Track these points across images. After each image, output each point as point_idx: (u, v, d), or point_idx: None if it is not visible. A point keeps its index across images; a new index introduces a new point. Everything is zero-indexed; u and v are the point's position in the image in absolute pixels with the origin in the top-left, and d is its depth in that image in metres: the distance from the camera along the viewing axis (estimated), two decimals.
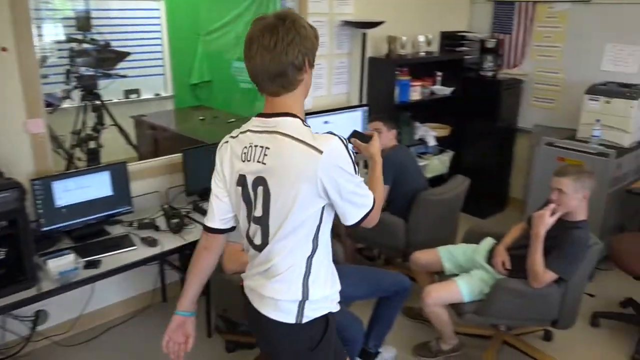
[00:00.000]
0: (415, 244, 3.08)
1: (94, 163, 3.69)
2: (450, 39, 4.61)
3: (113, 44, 4.03)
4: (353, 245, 3.39)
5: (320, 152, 1.36)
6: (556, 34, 4.38)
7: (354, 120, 3.77)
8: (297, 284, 1.48)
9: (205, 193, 3.15)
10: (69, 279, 2.28)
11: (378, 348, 2.67)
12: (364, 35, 3.87)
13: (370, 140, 1.72)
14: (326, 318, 1.54)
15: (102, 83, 4.01)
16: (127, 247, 2.57)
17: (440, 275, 2.88)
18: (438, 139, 4.38)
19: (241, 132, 1.50)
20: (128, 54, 4.24)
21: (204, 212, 2.93)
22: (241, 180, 1.50)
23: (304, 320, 1.50)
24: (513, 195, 4.89)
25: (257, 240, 1.51)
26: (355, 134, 1.77)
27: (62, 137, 3.82)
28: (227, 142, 1.55)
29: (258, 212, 1.48)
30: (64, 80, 3.80)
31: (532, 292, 2.43)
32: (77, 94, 3.85)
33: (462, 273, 2.68)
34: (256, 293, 1.54)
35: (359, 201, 1.46)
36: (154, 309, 3.27)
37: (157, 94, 5.73)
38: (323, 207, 1.44)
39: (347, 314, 2.30)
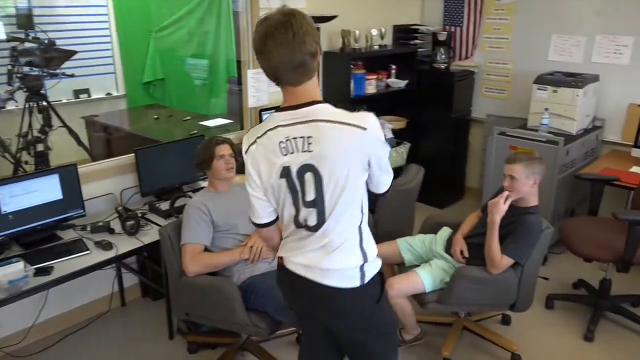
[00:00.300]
0: (376, 236, 3.10)
1: (42, 166, 3.54)
2: (403, 32, 4.65)
3: (59, 42, 3.86)
4: None
5: (364, 128, 1.49)
6: (504, 26, 4.49)
7: None
8: (356, 251, 1.63)
9: (161, 193, 3.11)
10: (19, 288, 2.18)
11: None
12: (318, 29, 3.86)
13: None
14: (380, 272, 1.71)
15: (48, 83, 3.85)
16: (80, 252, 2.48)
17: (400, 267, 2.91)
18: (394, 131, 4.41)
19: (268, 130, 1.56)
20: (75, 52, 4.08)
21: (160, 213, 2.89)
22: (285, 172, 1.57)
23: (367, 280, 1.64)
24: (469, 184, 4.99)
25: (312, 222, 1.61)
26: None
27: (8, 141, 3.65)
28: (253, 145, 1.59)
29: (310, 196, 1.57)
30: (7, 81, 3.63)
31: (490, 278, 2.48)
32: (21, 95, 3.68)
33: (422, 263, 2.72)
34: (315, 269, 1.64)
35: (389, 170, 1.63)
36: (112, 314, 3.18)
37: (109, 94, 5.57)
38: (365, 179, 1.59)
39: None
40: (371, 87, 4.23)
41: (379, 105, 4.53)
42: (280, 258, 1.73)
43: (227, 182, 2.61)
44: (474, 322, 2.94)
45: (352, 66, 4.03)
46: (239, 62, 3.90)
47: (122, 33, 5.40)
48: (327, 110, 1.52)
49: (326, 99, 1.55)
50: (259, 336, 2.55)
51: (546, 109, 3.81)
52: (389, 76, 4.53)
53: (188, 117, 4.71)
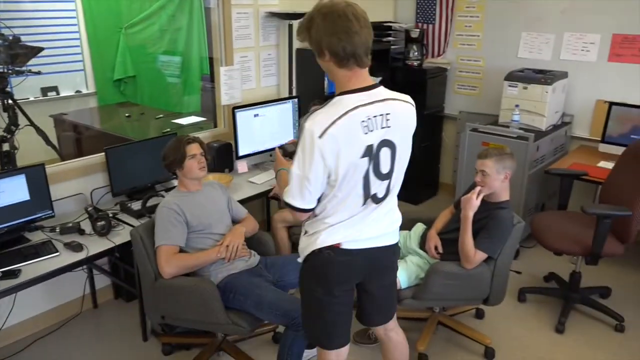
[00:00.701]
0: None
1: (9, 167, 3.44)
2: (376, 30, 4.60)
3: (25, 38, 3.75)
4: (287, 236, 3.37)
5: (413, 105, 1.79)
6: (475, 24, 4.54)
7: (285, 113, 3.73)
8: (399, 211, 1.93)
9: (133, 193, 3.05)
10: None
11: None
12: (291, 26, 3.84)
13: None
14: None
15: (14, 80, 3.74)
16: (49, 254, 2.41)
17: None
18: None
19: (348, 111, 1.61)
20: (42, 49, 3.97)
21: (132, 213, 2.84)
22: (367, 151, 1.67)
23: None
24: (443, 180, 5.04)
25: (382, 194, 1.78)
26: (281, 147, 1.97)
27: None
28: (331, 127, 1.58)
29: (385, 169, 1.74)
30: None
31: (465, 273, 2.51)
32: None
33: None
34: (385, 235, 1.86)
35: None
36: (84, 317, 3.11)
37: (78, 91, 5.44)
38: None
39: (292, 301, 2.31)
40: None
41: None
42: (328, 247, 1.77)
43: (198, 181, 2.58)
44: (448, 316, 2.96)
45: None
46: (211, 60, 3.85)
47: (91, 29, 5.29)
48: (386, 90, 1.73)
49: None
50: (239, 335, 2.52)
51: (517, 106, 3.87)
52: None
53: (160, 115, 4.65)
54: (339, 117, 1.59)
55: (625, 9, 3.77)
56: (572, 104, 4.12)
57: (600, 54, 3.93)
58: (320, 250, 1.79)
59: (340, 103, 1.63)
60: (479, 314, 3.12)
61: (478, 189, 2.54)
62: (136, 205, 2.87)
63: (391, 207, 1.86)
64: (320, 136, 1.58)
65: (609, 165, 3.44)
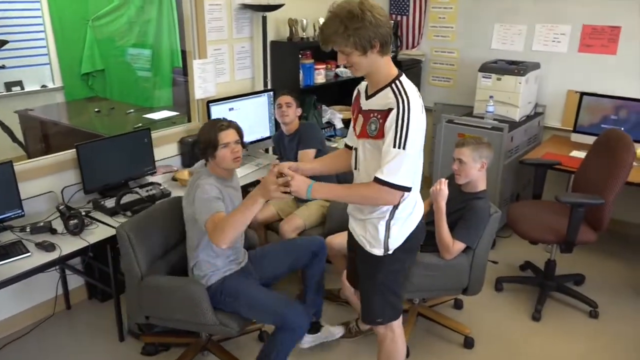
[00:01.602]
0: (329, 228, 3.11)
1: None
2: None
3: None
4: (263, 229, 3.35)
5: None
6: (449, 15, 4.57)
7: (260, 106, 3.71)
8: None
9: (106, 190, 2.99)
10: None
11: (319, 317, 2.75)
12: (264, 18, 3.81)
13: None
14: None
15: None
16: (19, 255, 2.35)
17: None
18: (344, 120, 4.43)
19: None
20: (5, 42, 3.87)
21: (106, 211, 2.78)
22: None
23: None
24: None
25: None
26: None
27: None
28: (421, 105, 1.84)
29: None
30: None
31: (444, 264, 2.54)
32: None
33: None
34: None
35: None
36: (57, 318, 3.05)
37: (44, 86, 5.28)
38: None
39: (284, 301, 2.30)
40: (320, 76, 4.22)
41: (329, 95, 4.54)
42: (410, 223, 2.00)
43: (231, 172, 2.41)
44: (428, 307, 3.00)
45: (300, 56, 4.00)
46: (183, 53, 3.79)
47: (57, 21, 5.14)
48: None
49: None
50: (227, 335, 2.50)
51: (491, 97, 3.93)
52: (337, 66, 4.53)
53: (131, 110, 4.56)
54: (418, 94, 1.85)
55: (595, 0, 3.85)
56: (544, 95, 4.20)
57: (571, 44, 4.02)
58: (418, 225, 2.02)
59: (408, 82, 1.85)
60: (458, 305, 3.17)
61: (444, 179, 2.56)
62: (109, 203, 2.82)
63: None
64: (422, 111, 1.81)
65: (581, 154, 3.53)
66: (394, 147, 1.75)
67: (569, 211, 2.90)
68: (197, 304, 2.26)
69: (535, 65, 4.03)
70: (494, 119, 3.87)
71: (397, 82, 1.83)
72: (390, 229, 1.95)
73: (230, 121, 2.38)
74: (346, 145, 2.16)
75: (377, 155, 1.83)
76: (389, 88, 1.83)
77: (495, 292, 3.36)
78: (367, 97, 1.92)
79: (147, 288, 2.35)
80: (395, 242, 1.98)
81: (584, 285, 3.41)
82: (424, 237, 2.15)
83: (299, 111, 3.30)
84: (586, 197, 2.94)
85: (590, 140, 3.46)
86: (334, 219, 3.10)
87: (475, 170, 2.57)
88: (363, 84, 2.00)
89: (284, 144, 3.33)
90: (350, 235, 2.18)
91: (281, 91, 3.31)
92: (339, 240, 2.89)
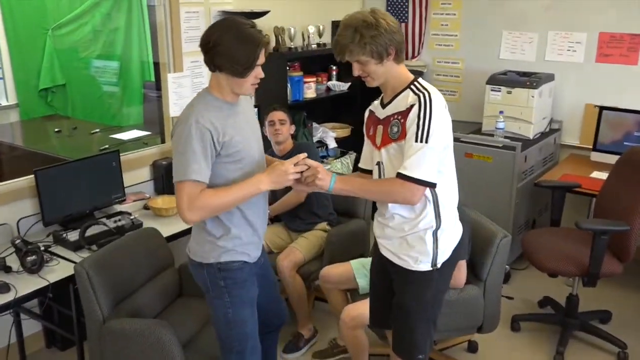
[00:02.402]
0: (333, 257, 3.12)
1: None
2: None
3: None
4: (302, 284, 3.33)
5: None
6: (452, 22, 4.67)
7: None
8: None
9: (68, 221, 2.98)
10: None
11: None
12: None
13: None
14: None
15: None
16: None
17: (352, 293, 2.92)
18: (338, 140, 4.47)
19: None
20: None
21: (68, 245, 2.77)
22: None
23: None
24: None
25: None
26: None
27: None
28: (445, 101, 1.96)
29: None
30: None
31: (457, 298, 2.55)
32: None
33: None
34: None
35: None
36: None
37: None
38: None
39: (258, 348, 2.26)
40: (310, 90, 4.27)
41: (320, 111, 4.58)
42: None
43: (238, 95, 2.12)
44: (438, 351, 2.99)
45: (288, 68, 4.05)
46: (156, 65, 3.82)
47: (12, 31, 5.17)
48: None
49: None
50: None
51: (501, 112, 3.99)
52: (329, 78, 4.59)
53: (96, 130, 4.57)
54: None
55: (611, 6, 3.96)
56: (560, 110, 4.27)
57: (588, 54, 4.10)
58: (462, 237, 2.15)
59: (429, 85, 1.99)
60: (472, 347, 3.16)
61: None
62: (73, 236, 2.80)
63: None
64: (445, 107, 1.93)
65: (603, 175, 3.57)
66: (416, 140, 1.88)
67: (591, 239, 2.93)
68: (167, 351, 2.23)
69: (549, 77, 4.11)
70: (505, 137, 3.92)
71: (416, 82, 2.00)
72: (438, 239, 2.05)
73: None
74: (361, 169, 2.30)
75: (401, 150, 1.97)
76: (408, 89, 1.99)
77: (512, 332, 3.36)
78: (384, 106, 2.08)
79: (109, 334, 2.32)
80: (444, 254, 2.07)
81: (611, 324, 3.43)
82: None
83: (293, 128, 3.34)
84: (609, 223, 2.97)
85: (612, 159, 3.51)
86: (336, 247, 3.13)
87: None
88: (374, 103, 2.20)
89: None
90: (379, 265, 2.24)
91: (272, 106, 3.34)
92: (337, 271, 2.89)
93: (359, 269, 2.86)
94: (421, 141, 1.87)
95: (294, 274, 3.09)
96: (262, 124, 3.35)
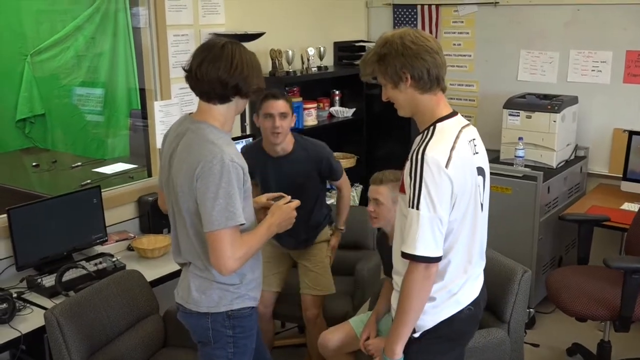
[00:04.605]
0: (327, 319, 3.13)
1: None
2: (347, 51, 4.80)
3: None
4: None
5: None
6: (466, 41, 4.73)
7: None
8: None
9: (44, 265, 2.99)
10: None
11: None
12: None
13: None
14: None
15: None
16: None
17: (359, 356, 2.83)
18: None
19: (460, 133, 1.91)
20: None
21: (44, 292, 2.77)
22: (480, 171, 1.98)
23: None
24: None
25: (483, 228, 2.10)
26: None
27: None
28: (453, 152, 1.85)
29: (485, 199, 2.05)
30: None
31: (485, 344, 2.53)
32: None
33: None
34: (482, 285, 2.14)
35: None
36: None
37: None
38: None
39: None
40: (311, 118, 4.32)
41: (322, 139, 4.58)
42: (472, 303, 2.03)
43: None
44: None
45: (286, 93, 4.10)
46: (142, 91, 3.89)
47: None
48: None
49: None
50: None
51: (520, 139, 4.00)
52: (332, 104, 4.64)
53: (78, 163, 4.61)
54: (455, 142, 1.88)
55: (638, 22, 4.00)
56: (585, 135, 4.29)
57: (614, 74, 4.14)
58: (462, 310, 1.99)
59: (447, 128, 1.91)
60: None
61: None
62: (48, 281, 2.82)
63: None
64: (447, 165, 1.82)
65: (634, 207, 3.58)
66: (409, 206, 1.84)
67: (622, 279, 2.91)
68: None
69: (573, 100, 4.14)
70: (525, 166, 3.92)
71: (434, 125, 1.92)
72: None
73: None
74: None
75: (403, 210, 1.93)
76: (423, 132, 1.94)
77: None
78: None
79: None
80: (424, 321, 1.96)
81: None
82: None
83: (294, 120, 3.02)
84: None
85: None
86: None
87: (394, 212, 2.49)
88: None
89: (265, 168, 3.00)
90: None
91: (268, 92, 2.85)
92: (336, 336, 2.76)
93: (361, 327, 2.73)
94: (412, 207, 1.82)
95: (321, 319, 3.09)
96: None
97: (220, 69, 2.00)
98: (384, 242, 2.63)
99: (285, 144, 2.95)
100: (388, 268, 2.41)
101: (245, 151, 2.96)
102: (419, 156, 1.82)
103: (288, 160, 2.98)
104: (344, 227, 3.24)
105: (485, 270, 2.69)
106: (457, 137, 1.90)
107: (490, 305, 2.70)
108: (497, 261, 2.79)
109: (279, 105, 2.85)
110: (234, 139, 3.74)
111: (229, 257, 1.95)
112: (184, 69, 2.09)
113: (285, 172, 2.96)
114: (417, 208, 1.80)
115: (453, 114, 1.97)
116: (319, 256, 3.15)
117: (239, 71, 2.01)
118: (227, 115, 2.10)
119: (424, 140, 1.88)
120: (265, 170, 2.99)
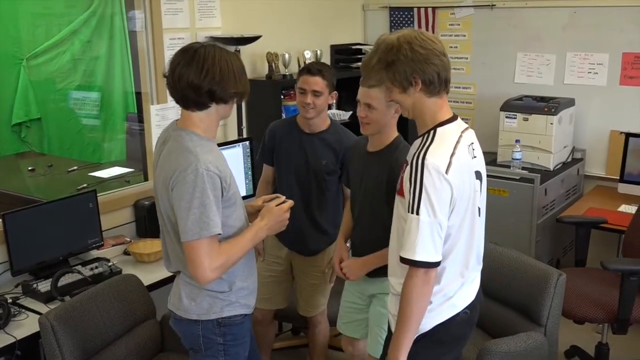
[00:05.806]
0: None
1: None
2: (343, 53, 4.81)
3: None
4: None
5: None
6: (462, 44, 4.74)
7: (235, 159, 3.75)
8: None
9: (39, 269, 2.98)
10: None
11: None
12: (237, 52, 3.92)
13: None
14: None
15: None
16: None
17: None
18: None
19: (459, 138, 1.92)
20: None
21: (39, 297, 2.77)
22: (479, 175, 1.98)
23: None
24: None
25: (480, 236, 2.08)
26: None
27: None
28: (453, 158, 1.85)
29: (482, 204, 2.04)
30: None
31: (525, 348, 2.50)
32: None
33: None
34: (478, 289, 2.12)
35: None
36: None
37: None
38: None
39: None
40: None
41: None
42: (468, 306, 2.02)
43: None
44: None
45: (282, 97, 4.10)
46: (139, 95, 3.88)
47: None
48: None
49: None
50: None
51: (517, 141, 4.01)
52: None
53: (74, 167, 4.60)
54: (455, 148, 1.88)
55: (635, 23, 4.02)
56: (582, 137, 4.30)
57: (611, 76, 4.15)
58: (458, 314, 1.99)
59: (447, 133, 1.91)
60: None
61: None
62: (44, 286, 2.81)
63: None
64: (447, 171, 1.82)
65: (632, 209, 3.58)
66: (408, 211, 1.84)
67: (619, 281, 2.91)
68: None
69: (570, 102, 4.15)
70: (523, 168, 3.94)
71: (435, 129, 1.92)
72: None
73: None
74: None
75: (402, 214, 1.93)
76: (423, 135, 1.94)
77: None
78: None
79: None
80: (421, 324, 1.96)
81: None
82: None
83: (333, 98, 2.92)
84: (639, 262, 2.96)
85: None
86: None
87: (389, 117, 2.45)
88: None
89: (293, 142, 2.93)
90: None
91: (307, 65, 2.89)
92: (364, 344, 2.76)
93: (348, 328, 2.81)
94: (412, 212, 1.82)
95: (323, 318, 3.11)
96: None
97: (191, 74, 1.96)
98: (359, 149, 2.61)
99: (320, 120, 2.89)
100: (348, 181, 2.72)
101: (277, 124, 3.08)
102: (419, 161, 1.83)
103: (319, 138, 2.92)
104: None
105: (519, 274, 2.71)
106: (458, 142, 1.91)
107: (524, 309, 2.72)
108: (530, 265, 2.79)
109: (313, 82, 2.77)
110: (231, 142, 3.76)
111: (206, 267, 1.94)
112: (163, 75, 2.06)
113: (312, 149, 2.90)
114: (417, 213, 1.81)
115: (453, 118, 1.97)
116: (321, 267, 3.03)
117: (211, 76, 1.95)
118: (208, 122, 2.06)
119: (423, 145, 1.88)
120: (293, 144, 2.93)
